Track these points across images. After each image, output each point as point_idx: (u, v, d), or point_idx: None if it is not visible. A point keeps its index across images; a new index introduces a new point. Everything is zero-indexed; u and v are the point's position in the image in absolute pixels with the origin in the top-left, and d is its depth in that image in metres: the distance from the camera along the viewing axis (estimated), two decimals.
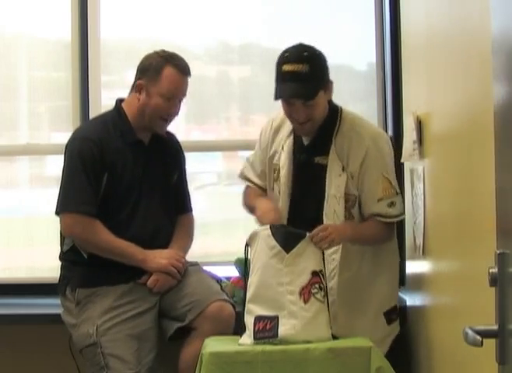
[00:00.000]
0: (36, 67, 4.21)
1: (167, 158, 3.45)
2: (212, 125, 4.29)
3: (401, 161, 3.41)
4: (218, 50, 4.28)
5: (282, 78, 3.08)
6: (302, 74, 3.04)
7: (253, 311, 2.94)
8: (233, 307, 3.28)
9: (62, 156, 3.37)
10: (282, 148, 3.25)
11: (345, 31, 4.07)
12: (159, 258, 3.28)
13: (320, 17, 4.04)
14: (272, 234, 2.98)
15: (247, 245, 3.03)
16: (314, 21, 4.02)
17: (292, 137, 3.24)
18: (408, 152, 3.27)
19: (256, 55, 4.18)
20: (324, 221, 3.14)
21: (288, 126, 3.26)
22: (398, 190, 3.23)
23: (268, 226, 3.01)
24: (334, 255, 3.15)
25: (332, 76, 3.19)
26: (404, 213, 3.28)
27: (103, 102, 4.01)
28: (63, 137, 3.48)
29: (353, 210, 3.18)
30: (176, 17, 4.10)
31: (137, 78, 3.35)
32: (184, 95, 3.35)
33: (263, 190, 3.37)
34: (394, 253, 3.33)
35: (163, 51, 3.36)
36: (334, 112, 3.22)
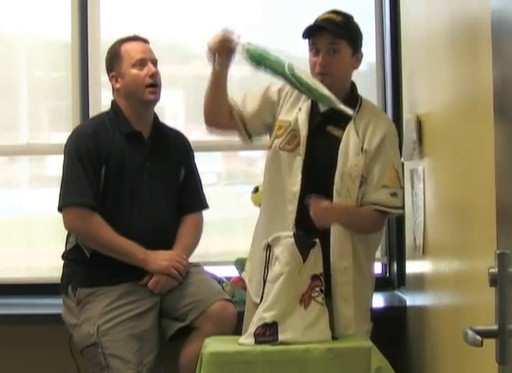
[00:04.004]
0: (36, 67, 4.21)
1: (171, 153, 3.42)
2: None
3: (401, 161, 3.41)
4: None
5: (314, 23, 3.13)
6: (334, 20, 3.11)
7: (264, 318, 2.93)
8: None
9: (62, 156, 3.38)
10: (300, 109, 3.16)
11: None
12: (160, 259, 3.27)
13: None
14: (296, 243, 2.94)
15: (269, 246, 3.00)
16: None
17: (309, 101, 3.15)
18: (408, 152, 3.27)
19: None
20: (335, 199, 3.04)
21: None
22: (403, 185, 3.17)
23: (292, 233, 2.96)
24: (344, 262, 3.06)
25: None
26: (404, 209, 3.22)
27: (103, 102, 4.01)
28: (63, 137, 3.48)
29: (360, 191, 3.08)
30: (176, 17, 4.10)
31: (109, 74, 3.43)
32: (152, 57, 3.38)
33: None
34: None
35: (116, 39, 3.46)
36: (356, 95, 3.20)
